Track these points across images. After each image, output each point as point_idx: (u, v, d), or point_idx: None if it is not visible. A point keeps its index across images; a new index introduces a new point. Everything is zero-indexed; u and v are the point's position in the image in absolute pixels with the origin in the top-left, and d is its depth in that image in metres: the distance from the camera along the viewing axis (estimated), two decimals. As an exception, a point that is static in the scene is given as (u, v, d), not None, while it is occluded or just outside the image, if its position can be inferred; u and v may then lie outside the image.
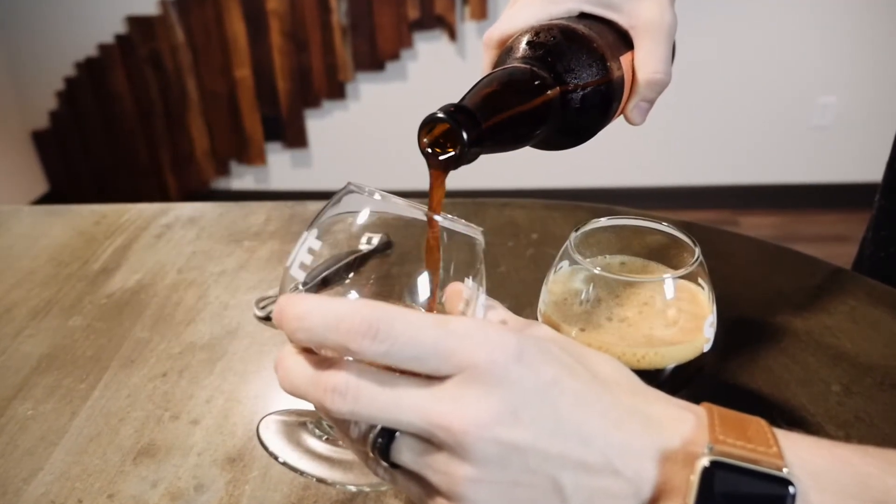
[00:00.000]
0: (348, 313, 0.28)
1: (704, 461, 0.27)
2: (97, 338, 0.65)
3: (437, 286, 0.35)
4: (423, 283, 0.34)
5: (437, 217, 0.34)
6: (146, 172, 3.00)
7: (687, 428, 0.30)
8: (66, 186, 3.08)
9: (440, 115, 0.35)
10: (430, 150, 0.37)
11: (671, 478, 0.28)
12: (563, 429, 0.28)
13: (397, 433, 0.30)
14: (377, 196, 0.33)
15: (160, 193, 3.03)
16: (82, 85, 2.86)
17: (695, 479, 0.27)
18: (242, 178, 3.05)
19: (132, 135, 2.93)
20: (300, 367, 0.30)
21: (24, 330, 0.67)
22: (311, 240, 0.34)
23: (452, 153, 0.36)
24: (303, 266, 0.34)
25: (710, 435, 0.29)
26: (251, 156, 2.96)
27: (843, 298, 0.67)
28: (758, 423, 0.30)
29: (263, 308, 0.68)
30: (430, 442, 0.29)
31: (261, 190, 3.05)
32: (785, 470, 0.27)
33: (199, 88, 2.84)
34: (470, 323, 0.29)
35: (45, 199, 3.01)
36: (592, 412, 0.29)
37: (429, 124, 0.36)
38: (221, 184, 3.05)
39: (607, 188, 2.89)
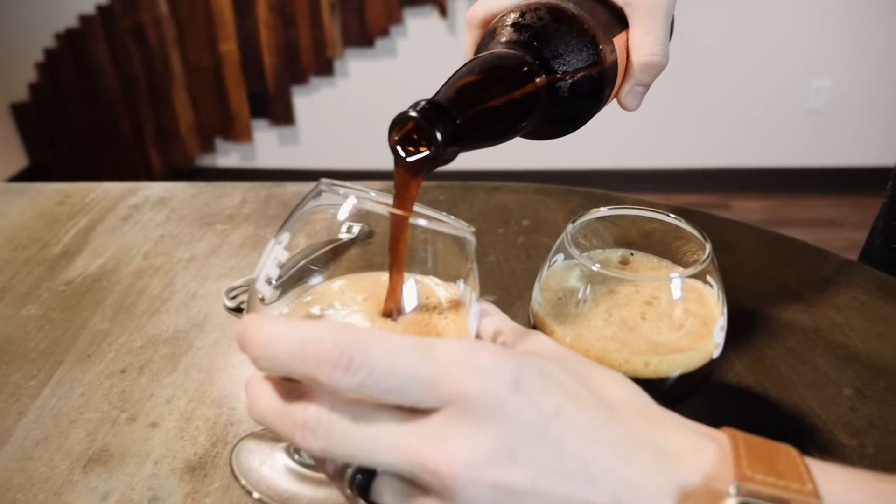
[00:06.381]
0: (316, 339, 0.24)
1: (731, 502, 0.23)
2: (52, 329, 0.60)
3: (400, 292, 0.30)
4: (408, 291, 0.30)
5: (420, 222, 0.29)
6: (129, 147, 2.91)
7: (708, 461, 0.25)
8: (47, 161, 2.99)
9: (411, 113, 0.31)
10: (400, 151, 0.32)
11: None
12: (567, 467, 0.24)
13: (378, 471, 0.26)
14: (352, 198, 0.29)
15: (144, 169, 2.94)
16: (63, 57, 2.76)
17: None
18: (228, 156, 2.97)
19: (115, 109, 2.84)
20: (268, 395, 0.27)
21: (-25, 319, 0.62)
22: (277, 250, 0.30)
23: (425, 153, 0.32)
24: (269, 280, 0.29)
25: (736, 470, 0.25)
26: (237, 132, 2.88)
27: (852, 293, 0.63)
28: (788, 454, 0.26)
29: (234, 298, 0.63)
30: (414, 483, 0.25)
31: (247, 168, 2.97)
32: None
33: (184, 62, 2.75)
34: (457, 347, 0.25)
35: (24, 174, 2.93)
36: (600, 446, 0.25)
37: (399, 123, 0.32)
38: (207, 161, 2.98)
39: (600, 170, 2.84)
